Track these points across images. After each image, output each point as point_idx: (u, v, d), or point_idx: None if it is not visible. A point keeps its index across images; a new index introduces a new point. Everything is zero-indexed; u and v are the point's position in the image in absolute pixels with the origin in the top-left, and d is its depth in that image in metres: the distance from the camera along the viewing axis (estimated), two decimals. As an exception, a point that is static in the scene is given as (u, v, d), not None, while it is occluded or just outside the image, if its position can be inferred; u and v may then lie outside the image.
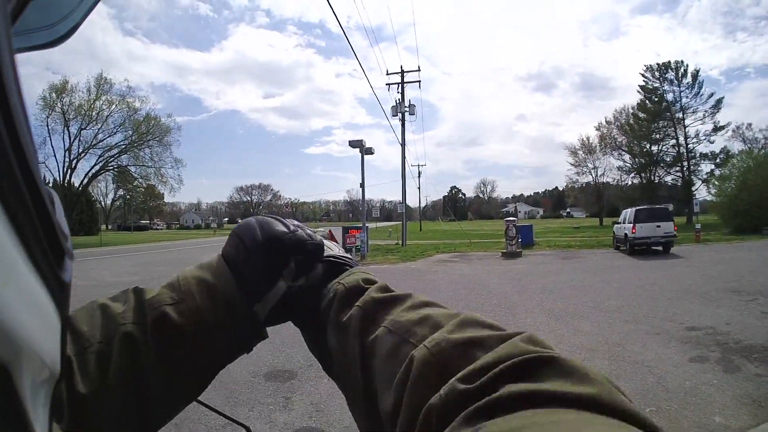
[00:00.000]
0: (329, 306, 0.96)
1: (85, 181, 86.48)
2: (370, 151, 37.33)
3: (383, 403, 0.73)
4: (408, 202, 54.72)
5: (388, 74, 51.74)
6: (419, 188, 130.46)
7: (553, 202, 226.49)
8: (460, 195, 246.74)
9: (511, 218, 35.23)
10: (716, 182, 56.40)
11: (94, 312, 0.88)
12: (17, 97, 0.33)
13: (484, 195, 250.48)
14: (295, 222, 1.08)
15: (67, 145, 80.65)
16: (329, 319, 0.94)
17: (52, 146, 79.22)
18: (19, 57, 0.39)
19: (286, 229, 1.03)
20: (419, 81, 53.63)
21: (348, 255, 1.15)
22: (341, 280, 0.99)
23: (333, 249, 1.14)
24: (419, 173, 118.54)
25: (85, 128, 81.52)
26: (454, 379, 0.59)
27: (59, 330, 0.42)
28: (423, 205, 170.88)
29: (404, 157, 50.59)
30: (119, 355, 0.83)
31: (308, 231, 1.07)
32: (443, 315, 0.78)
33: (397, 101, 49.99)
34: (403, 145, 50.32)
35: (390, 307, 0.86)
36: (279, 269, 1.01)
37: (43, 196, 0.37)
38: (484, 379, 0.56)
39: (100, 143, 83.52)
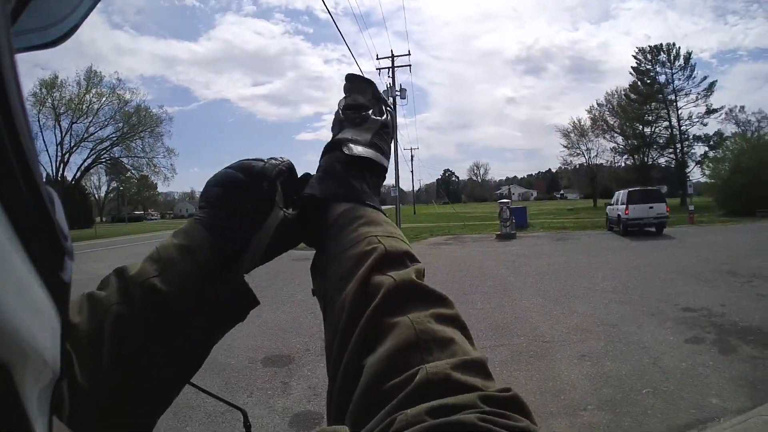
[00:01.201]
0: (361, 258, 0.87)
1: (78, 174, 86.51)
2: (361, 136, 37.30)
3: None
4: (401, 185, 54.77)
5: (378, 59, 51.56)
6: (412, 172, 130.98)
7: (547, 183, 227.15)
8: (454, 178, 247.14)
9: (505, 200, 35.29)
10: (710, 164, 56.78)
11: (82, 302, 0.87)
12: (17, 97, 0.33)
13: (477, 177, 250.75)
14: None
15: (58, 139, 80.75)
16: (356, 273, 0.85)
17: (44, 141, 78.49)
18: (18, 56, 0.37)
19: (261, 162, 1.07)
20: (410, 65, 53.52)
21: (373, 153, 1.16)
22: (382, 240, 0.90)
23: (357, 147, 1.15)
24: (412, 157, 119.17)
25: (76, 122, 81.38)
26: (426, 409, 0.58)
27: (59, 330, 0.41)
28: (416, 188, 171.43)
29: (396, 141, 49.70)
30: (111, 337, 0.81)
31: (277, 159, 1.11)
32: (462, 346, 0.71)
33: (388, 86, 49.60)
34: (394, 129, 49.46)
35: (424, 303, 0.78)
36: (270, 197, 1.04)
37: (43, 196, 0.36)
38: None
39: (92, 136, 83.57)
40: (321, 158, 1.16)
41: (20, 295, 0.33)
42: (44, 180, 0.34)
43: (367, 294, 0.80)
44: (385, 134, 1.22)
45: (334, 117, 1.27)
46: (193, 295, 0.89)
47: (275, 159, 1.10)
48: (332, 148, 1.15)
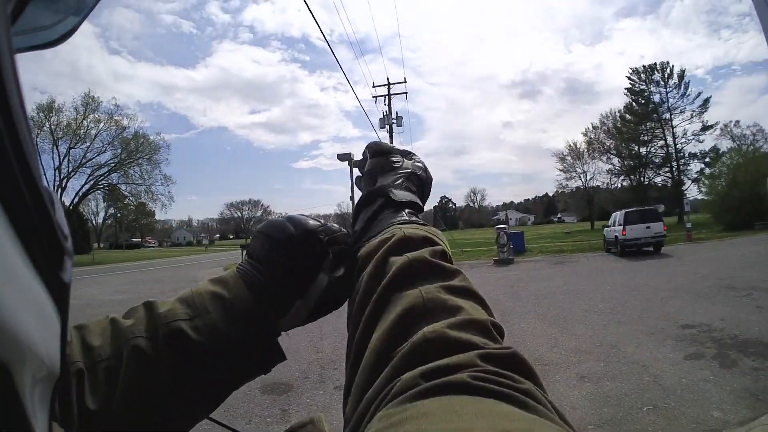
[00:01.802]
0: (384, 242, 0.90)
1: (76, 200, 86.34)
2: (358, 164, 37.58)
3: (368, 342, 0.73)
4: (398, 213, 55.01)
5: (374, 86, 51.74)
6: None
7: (544, 207, 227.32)
8: (451, 204, 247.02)
9: (502, 225, 35.62)
10: (706, 181, 57.04)
11: (105, 326, 0.88)
12: (17, 98, 0.33)
13: (474, 204, 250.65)
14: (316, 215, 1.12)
15: (56, 164, 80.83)
16: (375, 254, 0.88)
17: (42, 165, 78.08)
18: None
19: (317, 222, 1.04)
20: (405, 92, 53.61)
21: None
22: (404, 227, 0.94)
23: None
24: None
25: (74, 147, 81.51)
26: (420, 372, 0.59)
27: (59, 330, 0.41)
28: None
29: (393, 170, 50.06)
30: (128, 368, 0.81)
31: (335, 225, 1.08)
32: (469, 311, 0.72)
33: (385, 113, 50.05)
34: (391, 158, 49.69)
35: (436, 277, 0.81)
36: (319, 262, 1.00)
37: (43, 196, 0.36)
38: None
39: (90, 162, 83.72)
40: (358, 211, 1.15)
41: (20, 296, 0.33)
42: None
43: (381, 273, 0.82)
44: (416, 180, 1.22)
45: (358, 179, 1.32)
46: (221, 347, 0.89)
47: (334, 225, 1.08)
48: (373, 197, 1.13)
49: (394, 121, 50.43)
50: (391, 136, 49.86)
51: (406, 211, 1.07)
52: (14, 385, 0.33)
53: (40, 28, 0.77)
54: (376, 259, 0.85)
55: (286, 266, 0.97)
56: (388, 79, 51.89)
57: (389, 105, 50.93)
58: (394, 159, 1.24)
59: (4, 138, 0.32)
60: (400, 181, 1.16)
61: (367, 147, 1.29)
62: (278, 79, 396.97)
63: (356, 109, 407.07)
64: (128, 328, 0.85)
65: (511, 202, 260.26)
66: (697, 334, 10.13)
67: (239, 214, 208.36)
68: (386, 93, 51.36)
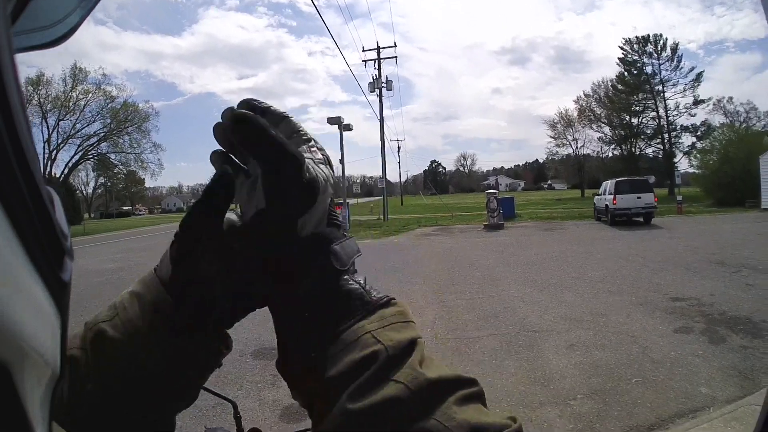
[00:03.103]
0: (361, 366, 0.71)
1: (66, 171, 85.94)
2: (348, 128, 37.44)
3: None
4: (388, 177, 55.07)
5: (364, 50, 51.75)
6: (399, 163, 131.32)
7: (534, 174, 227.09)
8: (440, 169, 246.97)
9: (492, 191, 35.56)
10: (698, 155, 56.95)
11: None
12: (17, 97, 0.33)
13: (464, 169, 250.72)
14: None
15: (45, 136, 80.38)
16: (363, 392, 0.69)
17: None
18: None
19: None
20: (395, 57, 53.56)
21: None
22: (378, 334, 0.74)
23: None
24: (398, 148, 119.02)
25: (63, 119, 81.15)
26: None
27: (59, 330, 0.41)
28: (404, 179, 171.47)
29: (383, 133, 50.81)
30: (67, 381, 0.67)
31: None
32: (492, 424, 0.65)
33: (374, 77, 49.90)
34: (381, 120, 50.42)
35: (441, 395, 0.69)
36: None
37: (43, 195, 0.36)
38: None
39: (79, 133, 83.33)
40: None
41: (20, 295, 0.33)
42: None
43: (378, 414, 0.67)
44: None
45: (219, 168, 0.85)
46: (140, 342, 0.81)
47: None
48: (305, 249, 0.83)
49: (384, 85, 50.47)
50: (381, 101, 50.09)
51: (355, 280, 0.83)
52: (14, 385, 0.33)
53: (40, 28, 0.78)
54: (370, 402, 0.67)
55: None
56: (377, 43, 51.94)
57: (379, 69, 50.87)
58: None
59: (4, 138, 0.31)
60: (326, 210, 0.88)
61: (233, 113, 0.76)
62: (265, 44, 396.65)
63: (344, 74, 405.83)
64: (70, 340, 0.80)
65: (501, 167, 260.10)
66: (687, 307, 10.20)
67: None
68: (376, 57, 51.27)
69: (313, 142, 0.89)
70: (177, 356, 0.83)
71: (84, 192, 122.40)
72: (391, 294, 0.79)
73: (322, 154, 0.88)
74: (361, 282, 0.83)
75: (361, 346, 0.73)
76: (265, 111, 0.85)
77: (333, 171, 0.90)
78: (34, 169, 0.35)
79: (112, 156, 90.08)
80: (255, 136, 0.74)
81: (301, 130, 0.89)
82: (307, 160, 0.81)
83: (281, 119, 0.88)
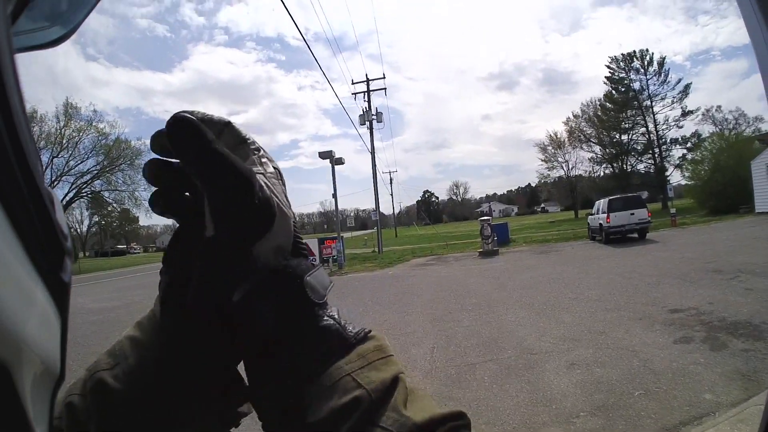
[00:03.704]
0: (343, 415, 0.65)
1: None
2: (340, 161, 37.58)
3: None
4: (381, 209, 55.30)
5: (353, 83, 51.89)
6: (392, 195, 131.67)
7: (527, 198, 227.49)
8: (434, 198, 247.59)
9: (486, 217, 35.78)
10: (689, 166, 57.46)
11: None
12: (17, 97, 0.34)
13: (457, 197, 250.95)
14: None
15: None
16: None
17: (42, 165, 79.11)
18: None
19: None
20: (385, 88, 53.71)
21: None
22: (359, 377, 0.69)
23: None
24: (391, 180, 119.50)
25: (56, 156, 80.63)
26: None
27: (59, 330, 0.42)
28: (397, 211, 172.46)
29: (374, 165, 50.89)
30: (66, 427, 0.72)
31: None
32: None
33: (364, 110, 50.13)
34: (372, 153, 50.52)
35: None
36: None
37: (43, 196, 0.37)
38: None
39: (73, 170, 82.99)
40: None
41: (20, 296, 0.34)
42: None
43: None
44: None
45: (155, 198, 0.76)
46: (143, 395, 0.73)
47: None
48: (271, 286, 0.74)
49: (374, 117, 50.58)
50: (371, 133, 50.13)
51: (329, 315, 0.76)
52: (14, 386, 0.33)
53: (40, 28, 0.77)
54: None
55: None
56: (366, 75, 52.11)
57: (369, 101, 51.09)
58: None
59: (4, 138, 0.32)
60: (290, 236, 0.79)
61: (170, 131, 0.67)
62: (254, 79, 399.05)
63: (334, 107, 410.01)
64: (69, 388, 0.77)
65: (494, 194, 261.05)
66: (686, 318, 10.11)
67: None
68: (365, 89, 51.42)
69: (262, 152, 0.79)
70: (182, 414, 0.76)
71: (78, 230, 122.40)
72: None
73: (274, 167, 0.79)
74: (336, 316, 0.76)
75: (341, 391, 0.68)
76: (204, 120, 0.72)
77: (285, 187, 0.80)
78: (34, 169, 0.35)
79: (106, 194, 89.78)
80: (194, 147, 0.64)
81: (248, 139, 0.78)
82: (257, 175, 0.70)
83: (223, 126, 0.76)
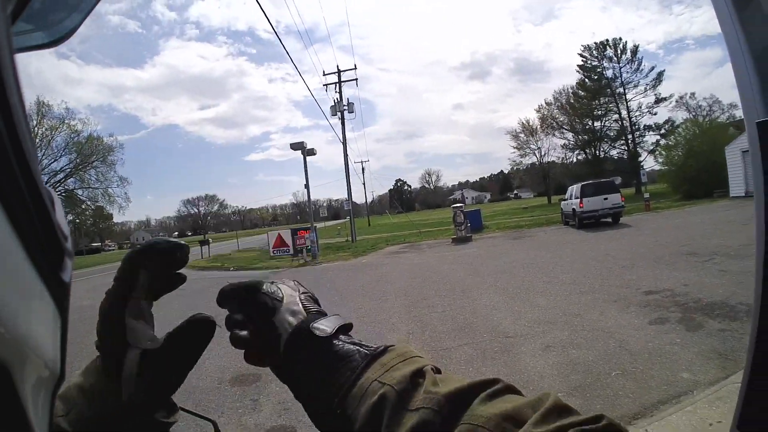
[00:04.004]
0: (375, 412, 0.71)
1: None
2: (312, 152, 37.37)
3: None
4: (354, 198, 55.39)
5: (324, 74, 51.91)
6: (364, 184, 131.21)
7: (500, 185, 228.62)
8: (406, 187, 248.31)
9: (458, 204, 35.84)
10: (663, 152, 57.94)
11: None
12: (17, 97, 0.34)
13: (429, 185, 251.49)
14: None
15: None
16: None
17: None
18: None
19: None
20: (356, 79, 53.54)
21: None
22: (383, 378, 0.75)
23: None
24: (363, 169, 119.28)
25: None
26: None
27: (59, 330, 0.42)
28: (370, 200, 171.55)
29: (346, 155, 51.07)
30: None
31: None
32: (524, 405, 0.63)
33: (336, 100, 50.31)
34: (344, 143, 50.72)
35: (464, 402, 0.67)
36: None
37: (43, 196, 0.37)
38: None
39: (45, 169, 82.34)
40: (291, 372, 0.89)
41: (20, 296, 0.34)
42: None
43: None
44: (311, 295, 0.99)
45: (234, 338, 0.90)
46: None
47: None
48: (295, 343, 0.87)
49: (345, 108, 50.81)
50: (343, 123, 50.55)
51: (350, 342, 0.86)
52: (14, 386, 0.33)
53: (40, 28, 0.78)
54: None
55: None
56: (338, 66, 52.51)
57: (340, 92, 51.18)
58: (266, 289, 0.92)
59: (4, 138, 0.32)
60: (299, 306, 0.91)
61: (224, 295, 0.90)
62: (225, 73, 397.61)
63: (306, 99, 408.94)
64: None
65: (467, 181, 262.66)
66: (661, 299, 10.14)
67: (196, 210, 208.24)
68: (336, 81, 51.46)
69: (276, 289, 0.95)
70: None
71: None
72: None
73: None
74: (356, 341, 0.85)
75: (369, 394, 0.74)
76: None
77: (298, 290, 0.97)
78: (34, 169, 0.35)
79: (80, 192, 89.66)
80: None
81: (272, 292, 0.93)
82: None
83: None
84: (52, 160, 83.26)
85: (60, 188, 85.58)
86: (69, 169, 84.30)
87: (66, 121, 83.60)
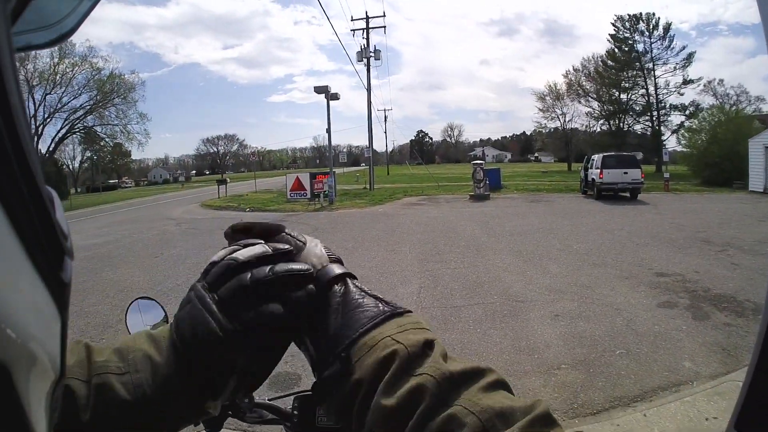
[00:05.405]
0: (382, 365, 0.74)
1: (52, 146, 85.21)
2: (335, 97, 36.99)
3: None
4: (375, 146, 54.91)
5: (353, 20, 51.21)
6: (386, 132, 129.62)
7: (521, 146, 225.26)
8: (427, 139, 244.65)
9: (479, 161, 35.44)
10: (686, 134, 57.00)
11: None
12: (17, 97, 0.34)
13: (451, 139, 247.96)
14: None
15: (32, 112, 78.72)
16: (381, 388, 0.73)
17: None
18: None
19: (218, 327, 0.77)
20: (384, 26, 53.09)
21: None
22: (397, 337, 0.76)
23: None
24: (385, 117, 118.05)
25: (49, 93, 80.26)
26: None
27: (59, 330, 0.42)
28: (390, 149, 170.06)
29: (370, 102, 50.56)
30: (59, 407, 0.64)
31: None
32: (517, 407, 0.66)
33: (363, 47, 49.64)
34: (368, 90, 50.10)
35: (465, 384, 0.71)
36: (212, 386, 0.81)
37: (43, 196, 0.37)
38: None
39: (65, 106, 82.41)
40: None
41: (20, 295, 0.34)
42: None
43: (408, 404, 0.69)
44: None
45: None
46: (143, 405, 0.78)
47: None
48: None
49: (372, 54, 50.15)
50: (368, 70, 49.92)
51: (370, 294, 0.86)
52: (14, 386, 0.33)
53: (40, 28, 0.78)
54: (389, 388, 0.71)
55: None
56: (366, 12, 51.24)
57: (367, 39, 50.51)
58: (290, 231, 0.92)
59: (4, 138, 0.32)
60: (321, 251, 0.91)
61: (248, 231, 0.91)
62: (250, 13, 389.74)
63: (331, 43, 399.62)
64: (72, 367, 0.79)
65: (489, 138, 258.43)
66: (672, 283, 10.23)
67: (215, 149, 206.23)
68: (365, 27, 50.87)
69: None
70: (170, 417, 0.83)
71: (71, 166, 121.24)
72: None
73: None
74: (377, 294, 0.86)
75: (381, 347, 0.75)
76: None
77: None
78: (34, 169, 0.35)
79: (99, 129, 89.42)
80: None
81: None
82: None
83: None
84: (72, 98, 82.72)
85: (79, 125, 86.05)
86: (89, 106, 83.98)
87: (88, 59, 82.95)
